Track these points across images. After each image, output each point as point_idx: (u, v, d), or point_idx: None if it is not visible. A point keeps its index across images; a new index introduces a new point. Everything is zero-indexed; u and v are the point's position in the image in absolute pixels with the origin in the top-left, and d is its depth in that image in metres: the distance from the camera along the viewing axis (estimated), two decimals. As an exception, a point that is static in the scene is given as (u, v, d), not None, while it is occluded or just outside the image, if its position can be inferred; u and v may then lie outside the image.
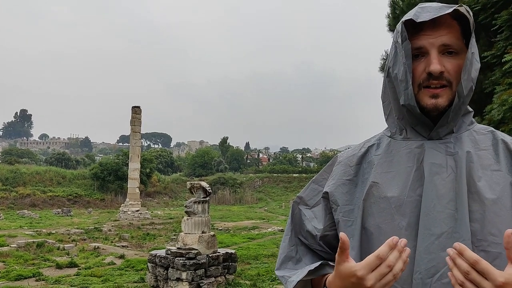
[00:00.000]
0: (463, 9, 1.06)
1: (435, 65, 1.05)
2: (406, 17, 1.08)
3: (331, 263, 1.13)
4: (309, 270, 1.11)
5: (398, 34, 1.09)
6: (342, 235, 0.93)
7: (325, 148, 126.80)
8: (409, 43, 1.06)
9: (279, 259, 1.23)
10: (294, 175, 48.77)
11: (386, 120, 1.21)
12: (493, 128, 1.18)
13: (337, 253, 0.95)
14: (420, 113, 1.09)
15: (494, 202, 1.03)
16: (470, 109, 1.16)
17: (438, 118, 1.09)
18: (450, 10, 1.04)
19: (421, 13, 1.06)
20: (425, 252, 1.03)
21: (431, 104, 1.07)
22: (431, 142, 1.11)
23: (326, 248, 1.19)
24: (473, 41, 1.08)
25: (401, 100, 1.11)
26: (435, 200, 1.05)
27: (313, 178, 1.29)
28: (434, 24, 1.07)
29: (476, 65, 1.09)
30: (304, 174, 48.03)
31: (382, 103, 1.21)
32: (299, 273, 1.13)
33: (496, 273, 0.85)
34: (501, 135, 1.14)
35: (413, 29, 1.09)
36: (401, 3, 8.42)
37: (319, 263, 1.12)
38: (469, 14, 1.07)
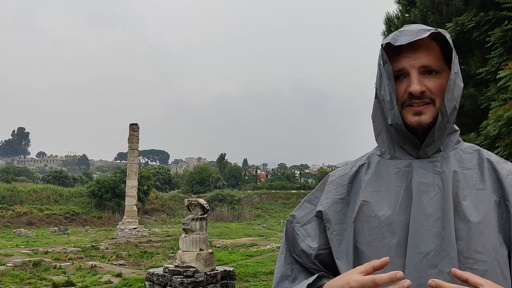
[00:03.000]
0: (441, 31, 1.10)
1: (415, 86, 1.09)
2: (385, 40, 1.12)
3: (327, 275, 1.15)
4: (308, 284, 1.12)
5: (380, 57, 1.13)
6: (386, 259, 0.98)
7: (323, 164, 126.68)
8: (390, 65, 1.11)
9: (275, 278, 1.24)
10: (293, 191, 48.67)
11: (376, 139, 1.24)
12: (479, 147, 1.20)
13: (365, 263, 1.00)
14: (407, 131, 1.12)
15: (479, 220, 1.06)
16: (457, 128, 1.19)
17: (425, 137, 1.12)
18: (427, 34, 1.08)
19: (399, 36, 1.11)
20: (413, 270, 1.05)
21: (414, 122, 1.10)
22: (419, 161, 1.14)
23: (321, 267, 1.20)
24: (455, 60, 1.12)
25: (388, 120, 1.14)
26: (423, 219, 1.08)
27: (306, 197, 1.31)
28: (413, 46, 1.11)
29: (460, 84, 1.13)
30: (302, 190, 47.88)
31: (373, 122, 1.24)
32: None
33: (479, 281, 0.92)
34: (486, 154, 1.17)
35: (394, 51, 1.13)
36: (396, 20, 8.55)
37: (316, 275, 1.13)
38: (447, 36, 1.10)
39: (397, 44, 1.09)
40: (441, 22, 6.97)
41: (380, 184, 1.16)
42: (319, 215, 1.21)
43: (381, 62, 1.12)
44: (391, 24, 8.61)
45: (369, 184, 1.17)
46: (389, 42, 1.11)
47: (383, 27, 9.03)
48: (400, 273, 0.93)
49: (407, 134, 1.12)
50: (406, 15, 8.43)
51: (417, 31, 1.10)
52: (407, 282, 0.93)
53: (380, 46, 1.13)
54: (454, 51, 1.12)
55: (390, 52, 1.13)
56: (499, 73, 5.19)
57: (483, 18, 5.96)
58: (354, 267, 1.10)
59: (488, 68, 5.73)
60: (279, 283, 1.22)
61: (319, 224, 1.21)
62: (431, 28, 1.11)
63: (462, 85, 1.14)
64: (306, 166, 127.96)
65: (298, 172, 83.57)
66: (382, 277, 0.93)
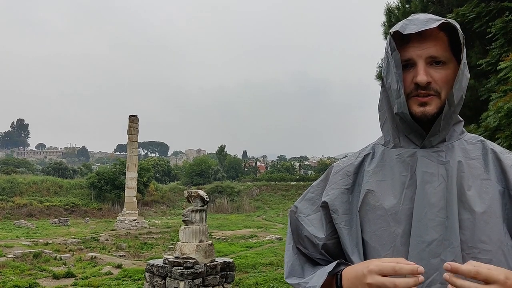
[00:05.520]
0: (450, 22, 1.09)
1: (422, 76, 1.09)
2: (394, 28, 1.12)
3: (345, 262, 1.14)
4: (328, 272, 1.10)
5: (388, 45, 1.13)
6: (421, 269, 0.93)
7: (322, 156, 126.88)
8: (398, 53, 1.10)
9: (287, 267, 1.23)
10: (292, 183, 48.69)
11: (381, 129, 1.24)
12: (482, 138, 1.21)
13: (393, 258, 0.98)
14: (412, 121, 1.12)
15: (483, 210, 1.06)
16: (461, 118, 1.19)
17: (430, 127, 1.12)
18: (437, 24, 1.07)
19: (408, 25, 1.10)
20: (416, 259, 1.05)
21: (419, 112, 1.11)
22: (423, 150, 1.14)
23: (328, 256, 1.20)
24: (464, 51, 1.11)
25: (394, 109, 1.14)
26: (427, 208, 1.08)
27: (309, 188, 1.30)
28: (421, 36, 1.10)
29: (467, 74, 1.13)
30: (302, 182, 47.92)
31: (379, 112, 1.23)
32: (318, 278, 1.11)
33: (495, 273, 0.89)
34: (490, 144, 1.18)
35: (402, 40, 1.13)
36: (396, 11, 8.50)
37: (336, 262, 1.12)
38: (458, 27, 1.09)
39: (406, 32, 1.09)
40: (442, 12, 6.93)
41: (385, 173, 1.16)
42: (325, 205, 1.20)
43: (389, 50, 1.11)
44: (392, 15, 8.57)
45: (374, 173, 1.18)
46: (396, 31, 1.10)
47: (383, 18, 8.98)
48: (421, 268, 0.91)
49: (413, 123, 1.12)
50: (407, 5, 8.38)
51: (426, 20, 1.09)
52: (421, 278, 0.92)
53: (389, 34, 1.12)
54: (463, 41, 1.11)
55: (398, 41, 1.13)
56: (500, 65, 5.17)
57: (484, 9, 5.92)
58: (364, 256, 1.11)
59: (489, 59, 5.71)
60: (291, 272, 1.21)
61: (324, 214, 1.21)
62: (440, 18, 1.10)
63: (468, 75, 1.14)
64: (306, 158, 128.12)
65: (298, 164, 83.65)
66: (402, 267, 0.92)
